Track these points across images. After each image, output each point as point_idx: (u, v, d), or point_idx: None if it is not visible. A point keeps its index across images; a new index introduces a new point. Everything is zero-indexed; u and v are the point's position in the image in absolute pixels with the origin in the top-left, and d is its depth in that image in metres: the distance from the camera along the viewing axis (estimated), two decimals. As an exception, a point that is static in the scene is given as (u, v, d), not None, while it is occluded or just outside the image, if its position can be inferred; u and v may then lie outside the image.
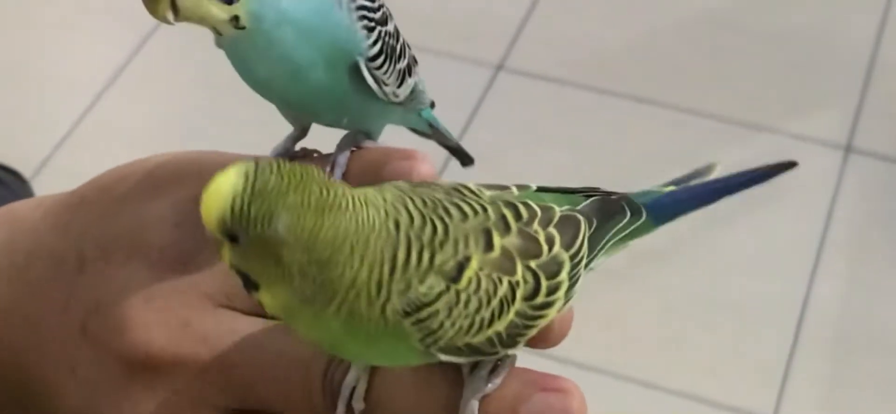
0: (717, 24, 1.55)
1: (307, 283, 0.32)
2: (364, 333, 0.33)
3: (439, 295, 0.33)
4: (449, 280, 0.33)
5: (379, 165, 0.37)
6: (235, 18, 0.36)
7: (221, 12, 0.36)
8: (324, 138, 0.41)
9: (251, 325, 0.37)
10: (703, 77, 1.49)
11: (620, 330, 1.27)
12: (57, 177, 1.39)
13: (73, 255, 0.38)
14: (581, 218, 0.36)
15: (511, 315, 0.34)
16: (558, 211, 0.36)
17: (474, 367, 0.35)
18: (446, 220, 0.34)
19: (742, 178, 0.39)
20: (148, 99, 1.48)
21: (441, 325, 0.33)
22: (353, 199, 0.32)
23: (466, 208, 0.34)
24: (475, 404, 0.34)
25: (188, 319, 0.36)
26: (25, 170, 1.29)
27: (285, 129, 0.41)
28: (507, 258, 0.34)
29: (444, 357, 0.34)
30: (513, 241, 0.34)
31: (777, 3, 1.57)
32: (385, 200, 0.33)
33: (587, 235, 0.36)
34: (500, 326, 0.34)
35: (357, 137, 0.39)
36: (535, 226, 0.35)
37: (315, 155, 0.39)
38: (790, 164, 0.40)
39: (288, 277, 0.32)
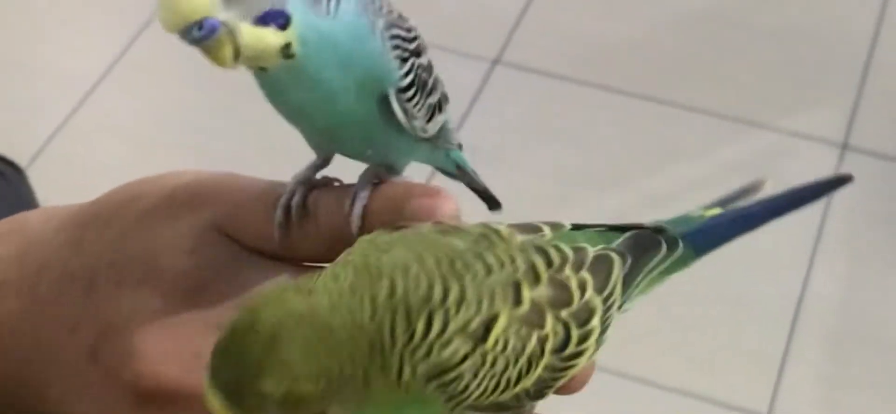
0: (715, 21, 1.54)
1: (340, 391, 0.31)
2: (392, 407, 0.32)
3: (465, 357, 0.32)
4: (476, 340, 0.32)
5: (401, 201, 0.37)
6: (287, 46, 0.35)
7: (277, 39, 0.35)
8: (347, 170, 0.40)
9: None
10: (701, 73, 1.49)
11: (616, 326, 1.27)
12: (51, 167, 1.38)
13: (85, 274, 0.37)
14: (615, 257, 0.36)
15: (539, 370, 0.34)
16: (591, 252, 0.35)
17: None
18: (467, 277, 0.33)
19: (792, 197, 0.38)
20: (143, 91, 1.48)
21: (466, 387, 0.32)
22: (332, 292, 0.31)
23: (493, 260, 0.33)
24: None
25: (201, 350, 0.35)
26: (20, 161, 1.28)
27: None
28: (537, 311, 0.34)
29: None
30: (543, 292, 0.34)
31: (775, 1, 1.57)
32: (392, 267, 0.32)
33: (621, 275, 0.35)
34: (527, 382, 0.33)
35: (380, 171, 0.38)
36: (567, 271, 0.34)
37: (336, 184, 0.39)
38: (844, 179, 0.38)
39: (326, 400, 0.31)
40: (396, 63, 0.37)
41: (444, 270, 0.33)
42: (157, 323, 0.36)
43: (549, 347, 0.34)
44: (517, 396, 0.33)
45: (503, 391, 0.33)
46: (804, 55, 1.51)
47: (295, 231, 0.37)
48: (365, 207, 0.37)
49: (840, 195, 1.38)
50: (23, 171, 1.19)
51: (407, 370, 0.32)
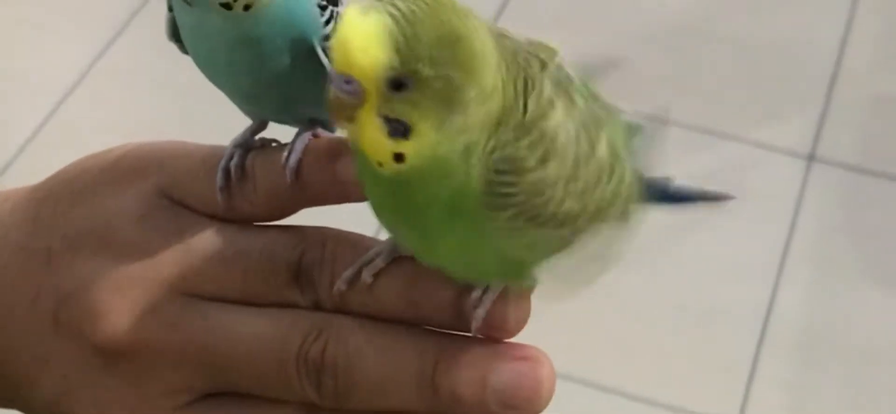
0: (680, 32, 1.55)
1: (465, 115, 0.31)
2: (452, 191, 0.32)
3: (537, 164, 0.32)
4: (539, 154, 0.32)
5: (335, 151, 0.37)
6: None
7: None
8: (285, 133, 0.40)
9: (220, 310, 0.37)
10: (667, 84, 1.50)
11: (585, 336, 1.27)
12: (21, 180, 1.36)
13: (42, 248, 0.38)
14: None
15: (613, 185, 0.34)
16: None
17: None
18: (538, 84, 0.33)
19: (690, 193, 0.40)
20: (114, 101, 1.47)
21: (539, 192, 0.32)
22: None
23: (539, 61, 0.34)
24: (480, 313, 0.35)
25: (156, 305, 0.37)
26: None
27: (237, 126, 0.41)
28: (586, 123, 0.34)
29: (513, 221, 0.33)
30: (585, 112, 0.34)
31: (741, 11, 1.57)
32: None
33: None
34: (600, 193, 0.33)
35: (314, 127, 0.39)
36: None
37: (274, 144, 0.39)
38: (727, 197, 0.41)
39: (450, 112, 0.31)
40: (317, 11, 0.37)
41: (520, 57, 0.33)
42: (112, 283, 0.37)
43: (611, 168, 0.34)
44: (575, 217, 0.33)
45: (577, 196, 0.33)
46: (770, 65, 1.52)
47: (235, 192, 0.38)
48: (300, 160, 0.37)
49: (807, 207, 1.38)
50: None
51: (487, 154, 0.32)
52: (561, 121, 0.33)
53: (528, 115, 0.33)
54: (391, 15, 0.31)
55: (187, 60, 0.40)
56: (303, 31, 0.37)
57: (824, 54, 1.53)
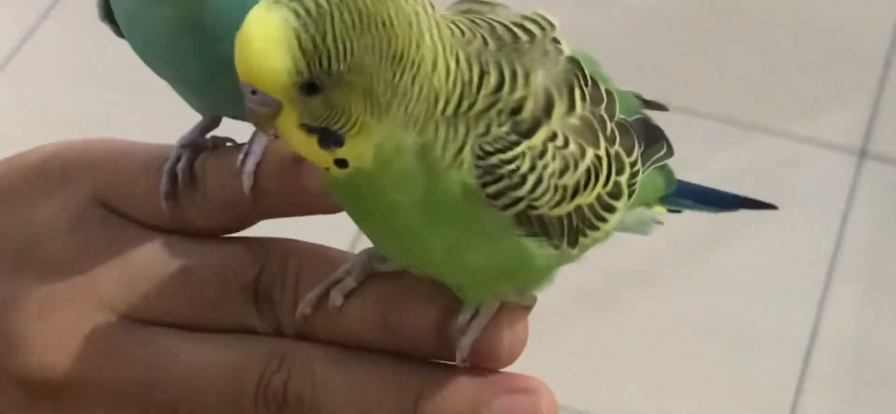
0: (713, 9, 1.54)
1: (403, 99, 0.32)
2: (426, 181, 0.33)
3: (519, 142, 0.33)
4: (526, 131, 0.33)
5: (298, 157, 0.37)
6: None
7: None
8: (241, 130, 0.40)
9: (165, 336, 0.37)
10: (699, 70, 1.49)
11: (600, 363, 1.26)
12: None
13: None
14: (632, 129, 0.37)
15: (598, 190, 0.35)
16: (617, 111, 0.36)
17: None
18: (518, 62, 0.34)
19: (729, 198, 0.41)
20: (36, 93, 1.47)
21: (522, 180, 0.33)
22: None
23: (546, 51, 0.34)
24: (467, 341, 0.35)
25: (90, 333, 0.37)
26: None
27: (186, 122, 0.41)
28: (588, 124, 0.35)
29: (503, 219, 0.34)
30: (587, 113, 0.35)
31: (781, -13, 1.58)
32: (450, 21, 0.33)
33: (638, 153, 0.37)
34: (585, 198, 0.35)
35: None
36: (602, 111, 0.35)
37: (228, 144, 0.40)
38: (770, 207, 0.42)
39: (378, 102, 0.32)
40: None
41: (502, 44, 0.34)
42: (39, 309, 0.37)
43: (603, 172, 0.35)
44: (564, 219, 0.34)
45: (556, 204, 0.34)
46: (817, 50, 1.52)
47: (183, 200, 0.38)
48: (258, 164, 0.37)
49: (858, 209, 1.38)
50: None
51: (458, 143, 0.33)
52: (539, 92, 0.34)
53: (505, 92, 0.33)
54: (293, 9, 0.31)
55: (123, 45, 0.40)
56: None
57: (877, 39, 1.52)
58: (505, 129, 0.33)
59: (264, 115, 0.32)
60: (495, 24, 0.34)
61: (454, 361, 0.36)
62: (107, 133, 0.41)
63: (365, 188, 0.34)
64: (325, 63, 0.31)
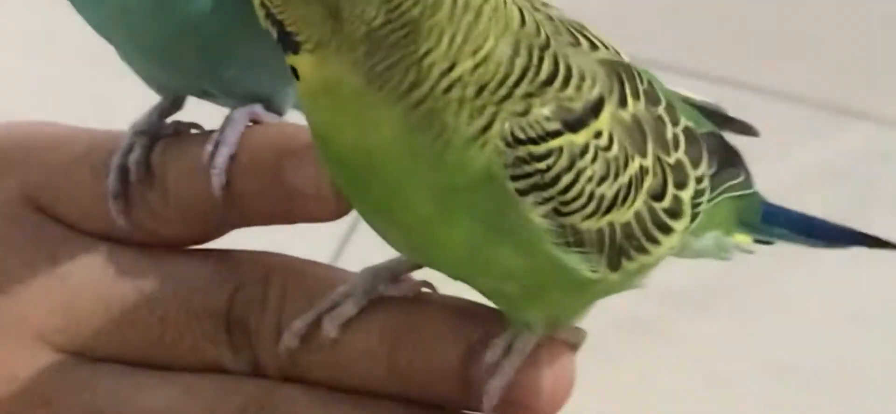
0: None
1: (378, 48, 0.32)
2: (436, 158, 0.33)
3: (560, 132, 0.33)
4: (574, 121, 0.33)
5: (281, 150, 0.37)
6: None
7: None
8: (207, 114, 0.40)
9: (113, 376, 0.37)
10: (769, 43, 1.49)
11: (645, 402, 1.26)
12: None
13: None
14: (702, 142, 0.37)
15: (638, 204, 0.35)
16: (682, 118, 0.37)
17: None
18: (570, 49, 0.34)
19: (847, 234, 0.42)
20: None
21: (555, 178, 0.33)
22: None
23: (594, 41, 0.35)
24: (498, 384, 0.35)
25: (16, 371, 0.37)
26: None
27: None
28: (639, 129, 0.35)
29: (533, 227, 0.34)
30: (643, 111, 0.35)
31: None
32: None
33: (709, 170, 0.38)
34: (620, 215, 0.35)
35: (253, 109, 0.38)
36: (661, 111, 0.36)
37: (193, 131, 0.39)
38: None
39: (351, 33, 0.31)
40: None
41: (553, 28, 0.34)
42: None
43: (647, 183, 0.35)
44: (602, 234, 0.34)
45: (594, 212, 0.34)
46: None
47: (136, 202, 0.38)
48: (232, 158, 0.37)
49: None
50: None
51: (501, 120, 0.33)
52: (593, 90, 0.34)
53: (555, 87, 0.34)
54: None
55: (61, 4, 0.40)
56: None
57: None
58: (546, 111, 0.33)
59: None
60: (554, 18, 0.35)
61: (480, 411, 0.36)
62: (42, 116, 0.41)
63: (373, 167, 0.33)
64: None
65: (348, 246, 0.90)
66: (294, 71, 0.33)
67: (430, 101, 0.32)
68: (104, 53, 0.42)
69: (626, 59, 0.36)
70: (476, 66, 0.32)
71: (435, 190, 0.33)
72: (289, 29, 0.32)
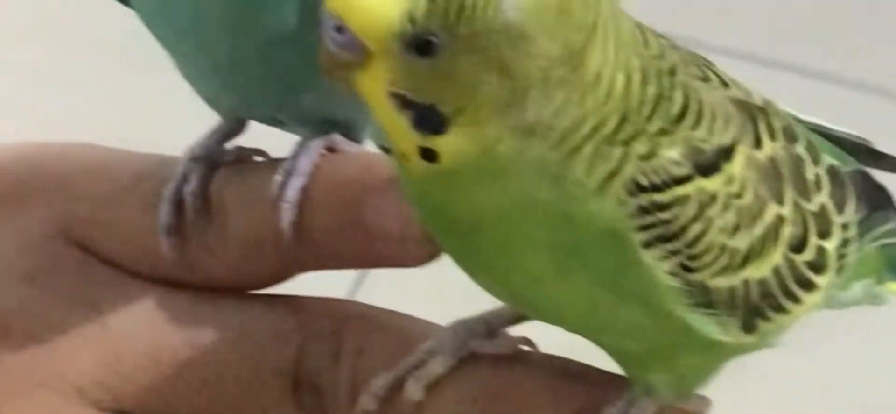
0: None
1: (544, 96, 0.31)
2: (560, 214, 0.32)
3: (689, 178, 0.32)
4: (706, 165, 0.33)
5: (361, 186, 0.36)
6: None
7: None
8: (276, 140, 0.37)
9: None
10: (857, 36, 1.47)
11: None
12: None
13: None
14: (848, 182, 0.36)
15: (776, 258, 0.34)
16: (825, 157, 0.36)
17: None
18: (698, 83, 0.33)
19: None
20: None
21: (682, 230, 0.32)
22: None
23: (724, 79, 0.34)
24: None
25: None
26: None
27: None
28: (775, 172, 0.34)
29: (662, 287, 0.33)
30: (780, 151, 0.34)
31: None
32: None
33: (856, 216, 0.36)
34: (756, 270, 0.34)
35: (330, 135, 0.37)
36: (800, 149, 0.35)
37: (258, 158, 0.38)
38: None
39: (517, 89, 0.30)
40: None
41: (680, 62, 0.33)
42: None
43: (786, 234, 0.34)
44: (733, 294, 0.33)
45: (722, 269, 0.33)
46: None
47: (192, 237, 0.37)
48: (304, 191, 0.36)
49: None
50: None
51: (629, 166, 0.32)
52: (726, 129, 0.33)
53: (686, 125, 0.33)
54: None
55: (118, 10, 0.37)
56: None
57: None
58: (674, 154, 0.32)
59: (343, 63, 0.31)
60: (679, 48, 0.34)
61: None
62: (88, 136, 0.37)
63: (464, 210, 0.32)
64: (453, 16, 0.30)
65: (370, 280, 0.87)
66: (426, 153, 0.31)
67: (582, 144, 0.31)
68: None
69: (759, 98, 0.35)
70: (611, 100, 0.32)
71: (553, 247, 0.32)
72: (441, 109, 0.31)
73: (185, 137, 0.37)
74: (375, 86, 0.31)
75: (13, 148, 0.38)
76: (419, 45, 0.30)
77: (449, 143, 0.31)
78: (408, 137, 0.31)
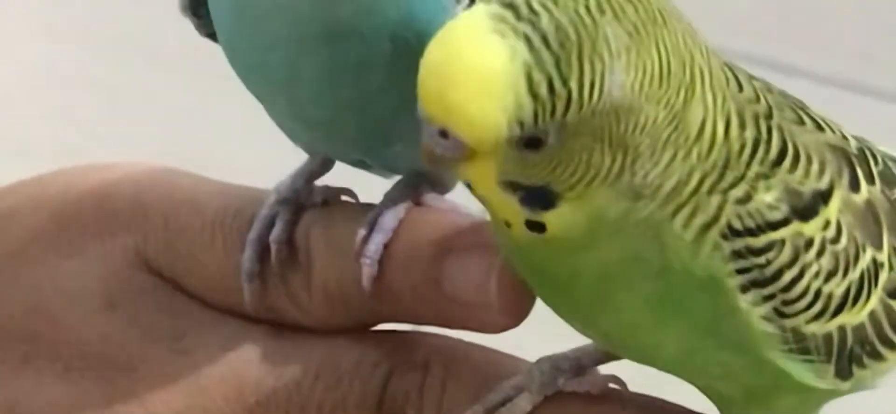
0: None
1: (652, 159, 0.31)
2: (660, 265, 0.32)
3: (786, 221, 0.32)
4: (803, 209, 0.32)
5: (447, 244, 0.35)
6: None
7: None
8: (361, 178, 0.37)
9: None
10: (875, 40, 1.44)
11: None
12: None
13: None
14: None
15: (873, 303, 0.34)
16: None
17: None
18: (794, 127, 0.33)
19: None
20: (64, 102, 1.47)
21: (777, 274, 0.32)
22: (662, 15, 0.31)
23: (819, 121, 0.34)
24: None
25: None
26: None
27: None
28: (873, 216, 0.34)
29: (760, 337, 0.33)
30: (878, 195, 0.34)
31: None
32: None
33: None
34: (852, 317, 0.33)
35: (418, 183, 0.37)
36: None
37: (345, 200, 0.38)
38: None
39: (626, 159, 0.31)
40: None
41: (775, 100, 0.33)
42: None
43: (883, 279, 0.34)
44: (829, 340, 0.33)
45: (817, 315, 0.33)
46: None
47: (275, 285, 0.36)
48: (386, 247, 0.36)
49: None
50: None
51: (707, 215, 0.32)
52: (824, 171, 0.33)
53: (784, 168, 0.33)
54: (525, 35, 0.29)
55: (201, 44, 0.37)
56: (427, 23, 0.35)
57: None
58: (769, 198, 0.32)
59: (447, 160, 0.31)
60: (773, 89, 0.34)
61: None
62: (165, 159, 0.37)
63: (564, 265, 0.32)
64: (560, 112, 0.29)
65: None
66: (533, 225, 0.31)
67: (688, 199, 0.32)
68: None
69: (854, 141, 0.35)
70: (714, 149, 0.32)
71: (651, 297, 0.32)
72: (552, 188, 0.31)
73: (260, 155, 0.37)
74: (484, 176, 0.31)
75: (97, 171, 0.38)
76: (527, 142, 0.30)
77: (558, 216, 0.31)
78: (516, 214, 0.32)
